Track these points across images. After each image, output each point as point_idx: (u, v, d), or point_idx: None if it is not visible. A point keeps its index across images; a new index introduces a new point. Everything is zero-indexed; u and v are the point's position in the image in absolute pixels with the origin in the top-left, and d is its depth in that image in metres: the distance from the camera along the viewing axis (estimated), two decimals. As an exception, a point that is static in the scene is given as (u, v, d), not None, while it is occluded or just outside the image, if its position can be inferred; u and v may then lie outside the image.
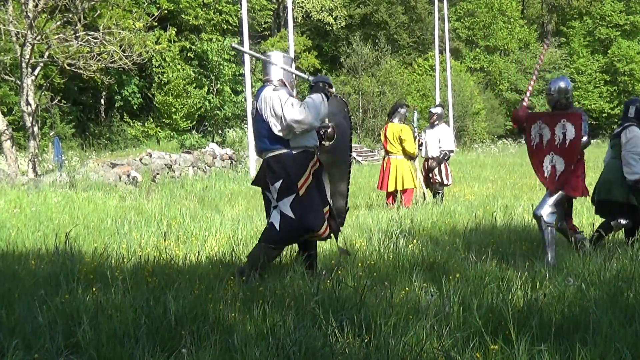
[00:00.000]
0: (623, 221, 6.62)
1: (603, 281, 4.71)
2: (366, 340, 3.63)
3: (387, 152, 10.68)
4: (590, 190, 6.73)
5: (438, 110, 11.56)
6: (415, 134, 11.04)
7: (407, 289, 4.78)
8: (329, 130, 5.55)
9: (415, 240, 6.80)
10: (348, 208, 6.08)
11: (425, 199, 11.20)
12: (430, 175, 11.19)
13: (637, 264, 5.31)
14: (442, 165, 11.14)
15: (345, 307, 4.16)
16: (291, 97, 5.21)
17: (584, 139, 6.14)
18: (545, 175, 6.24)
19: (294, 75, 5.53)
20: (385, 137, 10.65)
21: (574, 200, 6.66)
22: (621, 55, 45.27)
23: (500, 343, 3.53)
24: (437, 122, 11.35)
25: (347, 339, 3.67)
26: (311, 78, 5.43)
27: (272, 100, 5.17)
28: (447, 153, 11.18)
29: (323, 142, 5.55)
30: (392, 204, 10.51)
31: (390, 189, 10.54)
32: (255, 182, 5.64)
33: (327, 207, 5.41)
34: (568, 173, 6.11)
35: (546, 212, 6.15)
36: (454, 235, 7.40)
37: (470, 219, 8.42)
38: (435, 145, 11.17)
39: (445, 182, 11.20)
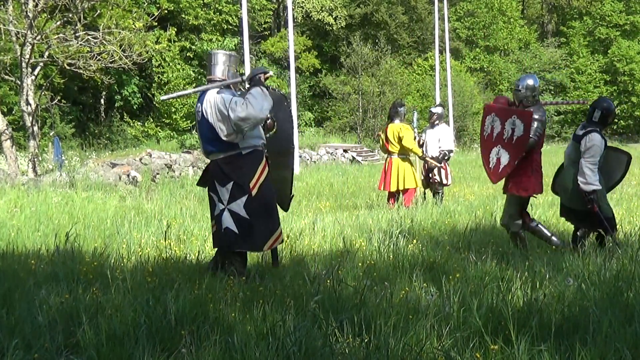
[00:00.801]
0: (586, 229, 6.51)
1: (603, 281, 4.71)
2: (366, 340, 3.63)
3: (388, 153, 10.68)
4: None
5: (438, 110, 11.56)
6: (416, 134, 11.04)
7: (407, 289, 4.78)
8: (268, 121, 5.56)
9: (415, 240, 6.80)
10: (293, 195, 6.15)
11: (425, 199, 11.20)
12: (430, 175, 11.19)
13: (637, 264, 5.31)
14: (442, 165, 11.13)
15: (345, 307, 4.16)
16: (234, 96, 5.21)
17: (532, 139, 6.18)
18: (490, 166, 6.37)
19: (238, 73, 5.51)
20: (386, 138, 10.65)
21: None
22: (621, 55, 45.27)
23: (500, 343, 3.54)
24: (437, 121, 11.35)
25: (347, 339, 3.67)
26: (245, 77, 5.42)
27: (217, 104, 5.19)
28: (447, 153, 11.17)
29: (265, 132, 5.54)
30: (393, 204, 10.52)
31: (393, 188, 10.53)
32: (200, 183, 5.62)
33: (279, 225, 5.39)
34: (510, 168, 6.21)
35: (511, 220, 6.35)
36: (454, 235, 7.40)
37: (470, 219, 8.42)
38: (435, 145, 11.17)
39: (444, 182, 11.20)
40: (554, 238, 6.53)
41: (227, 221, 5.22)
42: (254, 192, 5.20)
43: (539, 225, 6.57)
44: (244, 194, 5.20)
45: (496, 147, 6.32)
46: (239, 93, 5.34)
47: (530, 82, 6.40)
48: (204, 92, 5.38)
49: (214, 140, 5.26)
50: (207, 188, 5.47)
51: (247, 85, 5.39)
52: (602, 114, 6.26)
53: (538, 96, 6.49)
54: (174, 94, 5.90)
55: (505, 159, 6.26)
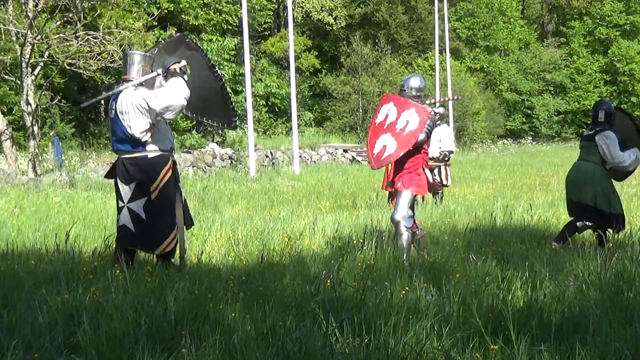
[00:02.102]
0: (588, 223, 6.61)
1: (603, 281, 4.72)
2: (366, 340, 3.63)
3: None
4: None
5: (440, 110, 11.55)
6: None
7: (407, 289, 4.78)
8: (178, 66, 5.54)
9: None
10: (236, 124, 6.38)
11: (424, 199, 11.18)
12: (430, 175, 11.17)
13: (637, 264, 5.31)
14: (442, 166, 11.12)
15: (345, 307, 4.16)
16: (151, 90, 5.41)
17: (422, 136, 6.17)
18: (374, 151, 6.26)
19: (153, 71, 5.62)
20: None
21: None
22: (621, 55, 45.24)
23: (500, 343, 3.54)
24: (439, 121, 11.33)
25: (347, 339, 3.67)
26: (160, 70, 5.55)
27: (136, 100, 5.32)
28: (447, 154, 11.16)
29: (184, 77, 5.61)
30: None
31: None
32: (107, 175, 5.81)
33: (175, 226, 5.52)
34: (394, 158, 6.14)
35: (403, 216, 6.17)
36: (454, 235, 7.40)
37: (470, 219, 8.42)
38: (436, 145, 11.16)
39: (445, 182, 11.19)
40: (407, 255, 6.10)
41: (125, 219, 5.41)
42: (153, 195, 5.37)
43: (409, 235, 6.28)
44: (144, 196, 5.38)
45: (386, 134, 6.22)
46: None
47: (415, 82, 6.41)
48: (118, 91, 5.51)
49: (124, 140, 5.43)
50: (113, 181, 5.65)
51: (163, 81, 5.55)
52: (606, 113, 6.74)
53: (423, 97, 6.47)
54: (93, 99, 6.12)
55: (392, 147, 6.14)
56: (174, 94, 5.32)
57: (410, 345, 3.58)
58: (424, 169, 6.32)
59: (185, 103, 5.41)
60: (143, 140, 5.37)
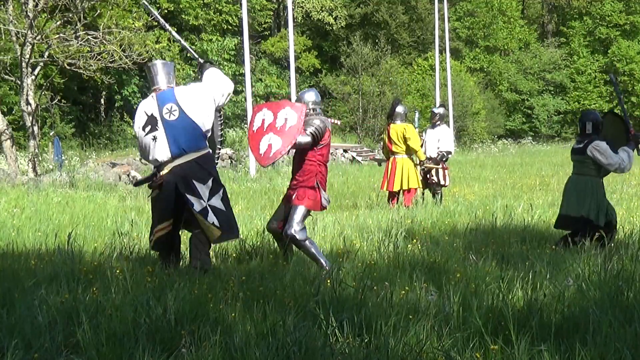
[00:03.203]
0: (583, 239, 6.55)
1: (603, 281, 4.71)
2: (366, 340, 3.63)
3: (392, 153, 10.67)
4: None
5: (440, 110, 11.57)
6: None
7: (407, 288, 4.78)
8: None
9: (415, 240, 6.80)
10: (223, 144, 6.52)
11: (424, 200, 11.20)
12: (428, 175, 11.18)
13: (637, 264, 5.31)
14: (440, 166, 11.13)
15: (345, 307, 4.16)
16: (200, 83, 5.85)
17: (306, 139, 5.85)
18: (260, 152, 6.04)
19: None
20: (389, 138, 10.63)
21: None
22: (621, 55, 45.26)
23: (500, 343, 3.54)
24: (439, 122, 11.35)
25: (347, 339, 3.67)
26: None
27: (199, 94, 5.62)
28: (445, 154, 11.17)
29: None
30: (394, 204, 10.51)
31: (396, 188, 10.53)
32: (153, 187, 5.57)
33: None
34: (281, 153, 5.87)
35: (297, 230, 5.80)
36: (454, 235, 7.40)
37: (470, 219, 8.42)
38: (435, 146, 11.17)
39: (442, 183, 11.19)
40: (322, 260, 5.84)
41: (212, 218, 5.40)
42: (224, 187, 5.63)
43: (308, 242, 5.91)
44: (220, 188, 5.55)
45: (267, 134, 5.97)
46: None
47: (311, 96, 6.22)
48: (165, 93, 5.60)
49: (192, 139, 5.43)
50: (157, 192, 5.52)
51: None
52: (594, 125, 6.74)
53: (320, 110, 6.20)
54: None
55: (277, 144, 5.88)
56: (225, 78, 5.81)
57: (410, 345, 3.58)
58: (318, 184, 5.96)
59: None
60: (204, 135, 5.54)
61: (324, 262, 5.72)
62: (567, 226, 6.84)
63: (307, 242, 5.84)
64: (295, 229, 5.81)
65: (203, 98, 5.53)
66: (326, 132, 6.02)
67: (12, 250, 6.48)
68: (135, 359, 3.46)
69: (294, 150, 6.11)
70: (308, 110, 6.07)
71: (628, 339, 3.57)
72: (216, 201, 5.46)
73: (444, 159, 11.16)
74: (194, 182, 5.37)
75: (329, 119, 6.24)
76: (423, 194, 11.40)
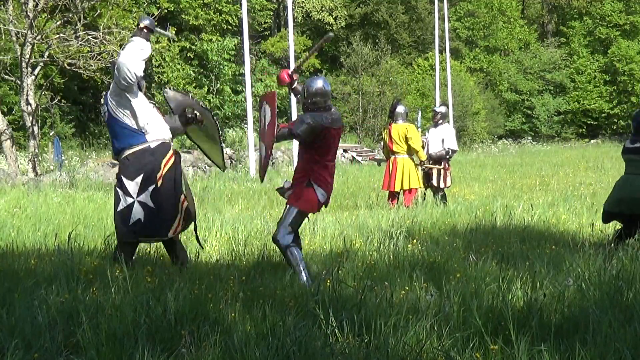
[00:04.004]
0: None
1: (603, 281, 4.71)
2: (366, 340, 3.63)
3: (392, 153, 10.67)
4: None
5: (442, 109, 11.58)
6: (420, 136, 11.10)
7: (407, 288, 4.78)
8: (198, 116, 5.97)
9: (415, 240, 6.80)
10: (227, 167, 6.27)
11: (425, 199, 11.20)
12: (430, 174, 11.18)
13: (637, 264, 5.31)
14: (442, 166, 11.14)
15: (345, 307, 4.16)
16: None
17: (302, 126, 5.29)
18: (260, 164, 5.66)
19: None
20: (390, 138, 10.63)
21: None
22: (621, 55, 45.26)
23: (500, 343, 3.54)
24: (440, 121, 11.35)
25: (347, 339, 3.67)
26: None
27: (112, 88, 5.48)
28: (450, 152, 11.16)
29: (196, 125, 6.02)
30: (394, 204, 10.52)
31: (397, 188, 10.54)
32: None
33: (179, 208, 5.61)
34: (266, 159, 5.47)
35: (282, 234, 5.38)
36: (454, 235, 7.40)
37: (470, 219, 8.42)
38: (438, 145, 11.18)
39: (442, 185, 11.19)
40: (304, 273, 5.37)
41: (138, 213, 5.45)
42: (159, 182, 5.46)
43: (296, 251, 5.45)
44: (151, 185, 5.45)
45: (260, 142, 5.62)
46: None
47: (313, 85, 5.50)
48: (105, 96, 5.63)
49: (124, 136, 5.50)
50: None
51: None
52: None
53: (321, 103, 5.44)
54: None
55: (263, 152, 5.52)
56: (119, 63, 5.23)
57: (410, 345, 3.58)
58: (311, 182, 5.39)
59: (130, 66, 5.22)
60: (142, 130, 5.46)
61: (304, 278, 5.20)
62: (613, 219, 6.88)
63: (291, 249, 5.35)
64: (281, 232, 5.39)
65: (115, 95, 5.45)
66: (326, 131, 5.37)
67: (12, 250, 6.48)
68: (135, 359, 3.46)
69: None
70: (308, 102, 5.44)
71: (628, 339, 3.57)
72: (146, 197, 5.44)
73: (448, 156, 11.15)
74: (123, 178, 5.51)
75: (333, 115, 5.46)
76: (425, 194, 11.40)
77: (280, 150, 24.85)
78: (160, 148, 5.54)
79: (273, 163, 23.45)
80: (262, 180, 5.77)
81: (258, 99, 6.04)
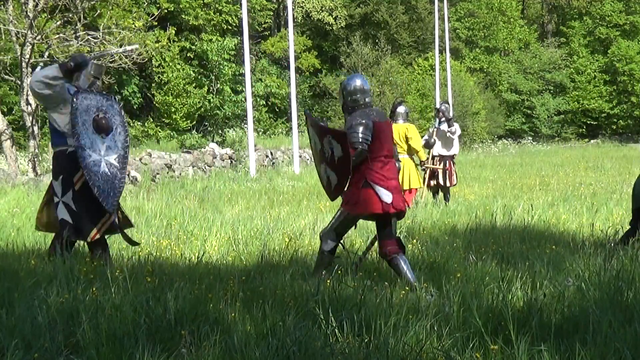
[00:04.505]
0: None
1: (603, 281, 4.71)
2: (366, 340, 3.63)
3: None
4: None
5: (443, 107, 11.64)
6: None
7: (407, 288, 4.78)
8: (103, 122, 5.78)
9: (415, 240, 6.80)
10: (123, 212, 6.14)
11: (422, 198, 11.21)
12: (434, 174, 11.20)
13: (637, 264, 5.31)
14: (448, 166, 11.17)
15: (345, 307, 4.16)
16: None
17: (361, 148, 5.18)
18: (324, 183, 5.49)
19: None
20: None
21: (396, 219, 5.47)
22: (621, 55, 45.23)
23: (500, 343, 3.54)
24: (442, 119, 11.38)
25: (347, 339, 3.67)
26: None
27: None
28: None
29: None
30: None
31: None
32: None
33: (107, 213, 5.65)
34: (342, 187, 5.28)
35: (325, 233, 5.38)
36: (454, 235, 7.40)
37: (470, 219, 8.42)
38: (456, 143, 11.33)
39: (448, 184, 11.22)
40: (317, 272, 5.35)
41: (62, 213, 5.55)
42: (77, 186, 5.54)
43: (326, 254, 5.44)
44: (70, 188, 5.53)
45: (323, 164, 5.39)
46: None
47: (349, 85, 5.42)
48: None
49: (52, 135, 5.67)
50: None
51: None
52: None
53: (361, 100, 5.40)
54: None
55: (334, 179, 5.31)
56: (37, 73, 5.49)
57: (410, 345, 3.58)
58: (368, 183, 5.23)
59: (37, 86, 5.40)
60: (65, 134, 5.54)
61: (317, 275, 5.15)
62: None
63: (327, 252, 5.33)
64: (325, 236, 5.35)
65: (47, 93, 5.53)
66: (375, 126, 5.24)
67: (12, 250, 6.48)
68: (135, 359, 3.46)
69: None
70: (348, 101, 5.36)
71: (628, 339, 3.56)
72: (68, 199, 5.53)
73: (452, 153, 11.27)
74: (52, 176, 5.67)
75: (376, 110, 5.41)
76: (434, 195, 11.38)
77: (280, 150, 24.85)
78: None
79: (273, 163, 23.44)
80: (333, 200, 5.61)
81: (307, 120, 5.61)
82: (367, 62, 35.15)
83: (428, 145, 11.16)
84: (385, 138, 5.36)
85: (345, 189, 5.34)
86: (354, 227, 5.65)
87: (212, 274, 5.28)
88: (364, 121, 5.19)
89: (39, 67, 5.64)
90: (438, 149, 11.30)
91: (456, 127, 11.29)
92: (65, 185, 5.55)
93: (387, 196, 5.19)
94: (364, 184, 5.21)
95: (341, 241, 5.62)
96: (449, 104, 12.33)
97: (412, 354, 3.49)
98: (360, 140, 5.16)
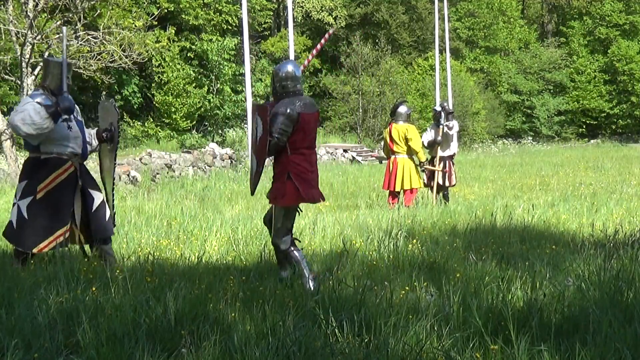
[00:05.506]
0: None
1: (603, 281, 4.71)
2: (366, 340, 3.63)
3: (393, 153, 10.68)
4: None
5: (443, 104, 11.64)
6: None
7: (407, 288, 4.78)
8: (106, 134, 5.85)
9: (415, 240, 6.80)
10: (114, 212, 6.10)
11: (441, 201, 11.19)
12: (434, 175, 11.20)
13: (637, 264, 5.31)
14: (447, 167, 11.17)
15: (345, 307, 4.16)
16: (32, 99, 5.45)
17: (275, 138, 5.05)
18: (250, 175, 5.39)
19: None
20: (391, 138, 10.64)
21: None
22: (621, 55, 45.23)
23: (500, 343, 3.54)
24: (442, 118, 11.37)
25: (347, 339, 3.67)
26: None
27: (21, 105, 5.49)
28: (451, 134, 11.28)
29: (109, 145, 5.89)
30: (393, 204, 10.52)
31: (398, 188, 10.55)
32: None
33: (66, 225, 5.58)
34: (258, 175, 5.22)
35: (278, 236, 5.23)
36: (454, 235, 7.40)
37: (470, 219, 8.42)
38: (455, 142, 11.34)
39: (447, 184, 11.22)
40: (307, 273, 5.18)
41: (13, 215, 5.57)
42: (39, 195, 5.47)
43: (295, 252, 5.30)
44: (30, 195, 5.48)
45: (251, 152, 5.36)
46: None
47: (281, 70, 5.23)
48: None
49: (25, 140, 5.61)
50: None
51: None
52: None
53: (290, 87, 5.21)
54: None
55: (254, 164, 5.24)
56: (17, 116, 5.34)
57: (410, 345, 3.58)
58: (290, 175, 5.14)
59: (25, 131, 5.34)
60: (35, 143, 5.51)
61: (309, 284, 5.02)
62: None
63: (288, 251, 5.23)
64: (277, 238, 5.22)
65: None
66: (300, 117, 5.11)
67: (12, 250, 6.46)
68: (135, 359, 3.46)
69: None
70: (277, 87, 5.20)
71: (628, 339, 3.56)
72: (22, 204, 5.50)
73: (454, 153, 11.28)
74: (18, 179, 5.69)
75: (305, 100, 5.23)
76: (437, 195, 11.38)
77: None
78: (52, 161, 5.54)
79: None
80: (252, 193, 5.52)
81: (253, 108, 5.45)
82: (367, 62, 35.14)
83: (434, 145, 11.13)
84: (309, 130, 5.25)
85: (272, 184, 5.28)
86: (298, 214, 5.51)
87: (212, 274, 5.28)
88: (287, 111, 5.06)
89: (21, 111, 5.37)
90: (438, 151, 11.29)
91: (454, 122, 11.26)
92: (27, 190, 5.50)
93: (304, 192, 5.17)
94: (287, 177, 5.15)
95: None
96: (446, 102, 12.34)
97: (412, 354, 3.49)
98: (278, 130, 5.05)
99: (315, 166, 5.40)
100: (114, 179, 6.13)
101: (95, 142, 5.91)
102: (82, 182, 5.65)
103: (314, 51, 6.26)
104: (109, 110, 6.01)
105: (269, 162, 5.48)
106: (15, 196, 5.60)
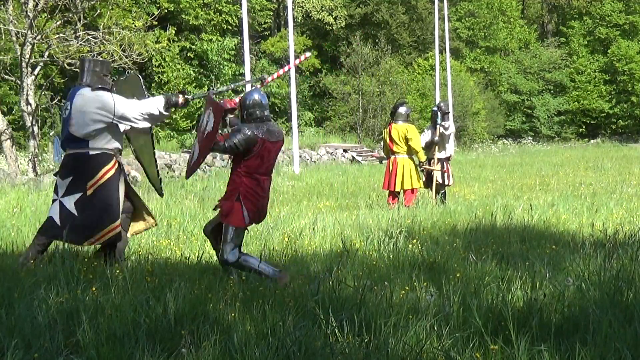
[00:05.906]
0: None
1: (603, 281, 4.71)
2: (366, 340, 3.63)
3: (393, 153, 10.68)
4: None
5: (440, 104, 11.63)
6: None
7: (407, 288, 4.78)
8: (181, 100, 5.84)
9: (415, 240, 6.80)
10: (161, 178, 6.32)
11: (439, 200, 11.19)
12: (433, 174, 11.20)
13: (637, 264, 5.31)
14: (445, 168, 11.17)
15: (345, 307, 4.16)
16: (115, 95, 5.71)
17: (226, 145, 5.21)
18: (189, 160, 5.62)
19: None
20: (391, 138, 10.63)
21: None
22: (621, 55, 45.25)
23: (500, 343, 3.54)
24: (437, 119, 11.37)
25: (347, 339, 3.67)
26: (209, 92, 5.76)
27: (95, 102, 5.55)
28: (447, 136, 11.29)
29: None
30: (393, 204, 10.52)
31: (398, 188, 10.55)
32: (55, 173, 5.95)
33: (118, 220, 5.61)
34: (198, 163, 5.43)
35: (227, 253, 5.23)
36: (454, 235, 7.40)
37: (470, 219, 8.42)
38: (452, 143, 11.35)
39: (446, 182, 11.22)
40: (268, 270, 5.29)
41: (54, 211, 5.57)
42: (89, 191, 5.49)
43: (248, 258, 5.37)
44: (78, 191, 5.49)
45: (196, 140, 5.55)
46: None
47: (249, 97, 5.44)
48: (75, 91, 5.72)
49: (69, 137, 5.58)
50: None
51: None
52: None
53: (258, 113, 5.38)
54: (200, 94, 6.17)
55: (196, 154, 5.44)
56: (142, 112, 5.58)
57: (410, 345, 3.58)
58: (239, 197, 5.25)
59: (146, 125, 5.62)
60: (86, 138, 5.53)
61: (270, 271, 5.19)
62: None
63: (241, 260, 5.26)
64: (226, 252, 5.23)
65: (98, 109, 5.55)
66: (259, 143, 5.25)
67: (12, 250, 6.47)
68: (135, 359, 3.46)
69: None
70: (245, 114, 5.39)
71: (628, 339, 3.57)
72: (68, 200, 5.50)
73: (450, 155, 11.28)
74: (57, 175, 5.66)
75: (270, 127, 5.39)
76: (435, 195, 11.39)
77: (280, 151, 24.83)
78: (100, 157, 5.56)
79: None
80: (187, 177, 5.86)
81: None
82: (367, 62, 35.15)
83: (431, 145, 11.12)
84: (269, 157, 5.41)
85: (222, 200, 5.40)
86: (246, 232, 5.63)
87: (212, 274, 5.28)
88: (249, 133, 5.23)
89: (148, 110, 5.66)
90: (435, 152, 11.28)
91: (450, 123, 11.25)
92: (73, 186, 5.49)
93: (247, 217, 5.30)
94: (237, 198, 5.28)
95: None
96: (445, 101, 12.33)
97: (412, 354, 3.49)
98: (232, 143, 5.23)
99: (267, 192, 5.52)
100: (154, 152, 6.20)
101: (165, 112, 5.84)
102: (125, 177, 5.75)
103: (281, 71, 6.28)
104: (132, 82, 6.25)
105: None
106: (56, 192, 5.57)
